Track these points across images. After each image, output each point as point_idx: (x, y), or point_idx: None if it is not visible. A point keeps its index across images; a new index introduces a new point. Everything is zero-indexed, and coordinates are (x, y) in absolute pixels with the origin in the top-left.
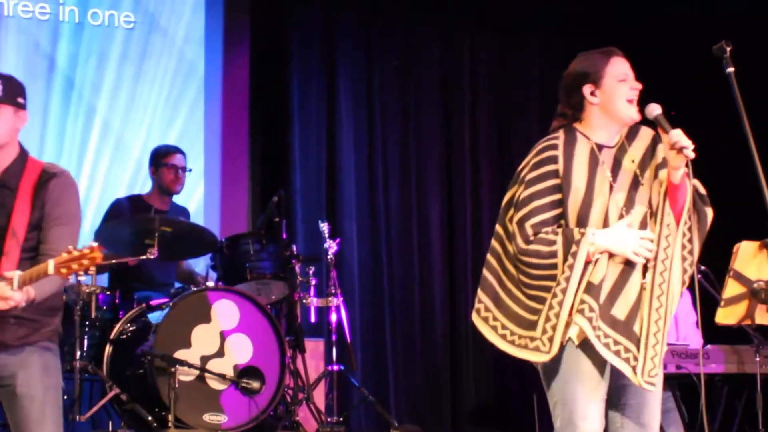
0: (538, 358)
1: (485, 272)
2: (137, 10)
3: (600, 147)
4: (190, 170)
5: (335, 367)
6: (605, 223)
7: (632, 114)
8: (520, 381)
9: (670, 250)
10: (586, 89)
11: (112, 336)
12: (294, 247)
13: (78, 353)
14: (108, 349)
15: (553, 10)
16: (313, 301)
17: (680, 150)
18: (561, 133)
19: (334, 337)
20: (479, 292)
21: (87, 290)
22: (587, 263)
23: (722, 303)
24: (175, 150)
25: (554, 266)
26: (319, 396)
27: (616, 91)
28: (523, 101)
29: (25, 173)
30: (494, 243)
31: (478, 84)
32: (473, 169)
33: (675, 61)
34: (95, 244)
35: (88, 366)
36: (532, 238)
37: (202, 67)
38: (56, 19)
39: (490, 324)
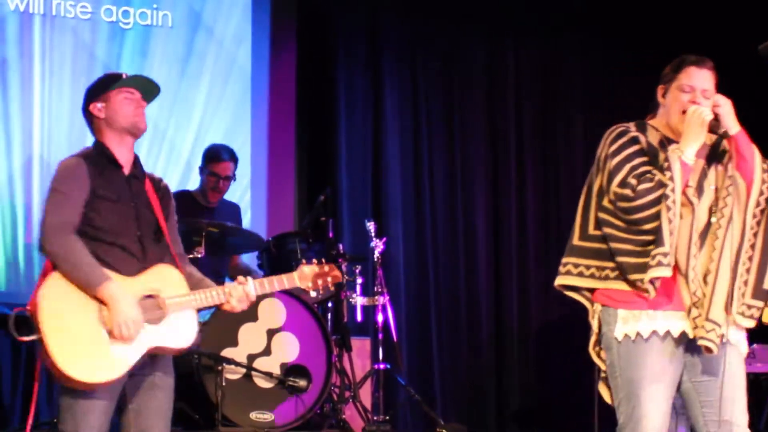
0: (668, 272)
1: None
2: (184, 10)
3: (669, 140)
4: (235, 180)
5: (381, 366)
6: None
7: (677, 125)
8: (564, 382)
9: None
10: (659, 89)
11: None
12: (340, 246)
13: None
14: None
15: (595, 12)
16: (360, 300)
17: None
18: (632, 124)
19: (380, 336)
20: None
21: None
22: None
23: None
24: (225, 158)
25: (661, 185)
26: (366, 395)
27: (675, 99)
28: (567, 103)
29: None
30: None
31: (523, 85)
32: (518, 170)
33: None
34: (332, 264)
35: None
36: (635, 184)
37: (249, 66)
38: (102, 19)
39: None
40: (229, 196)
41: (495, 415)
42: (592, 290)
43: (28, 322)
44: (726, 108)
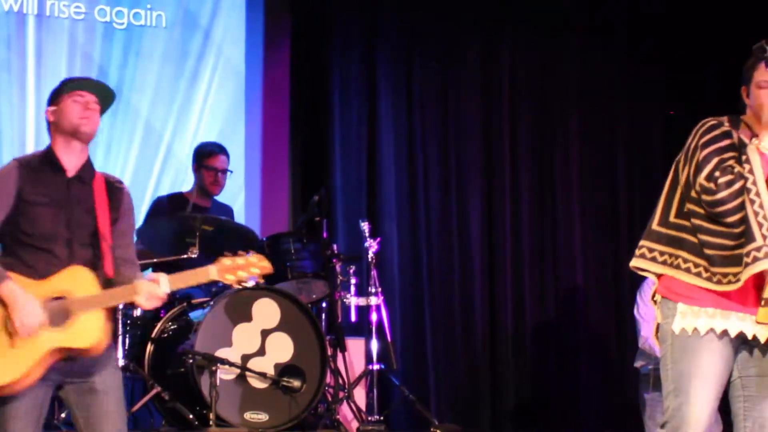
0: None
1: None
2: (177, 10)
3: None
4: (231, 172)
5: (375, 366)
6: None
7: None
8: (559, 382)
9: None
10: (743, 91)
11: (153, 335)
12: (335, 246)
13: (120, 352)
14: (149, 347)
15: (592, 11)
16: (354, 300)
17: None
18: (725, 118)
19: (374, 336)
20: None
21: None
22: None
23: (762, 302)
24: (218, 151)
25: (741, 177)
26: (360, 395)
27: (757, 98)
28: (562, 104)
29: (95, 175)
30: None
31: (518, 84)
32: (513, 170)
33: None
34: (260, 255)
35: (130, 365)
36: (718, 176)
37: (243, 66)
38: (96, 20)
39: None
40: (223, 195)
41: (489, 415)
42: (660, 277)
43: None
44: None
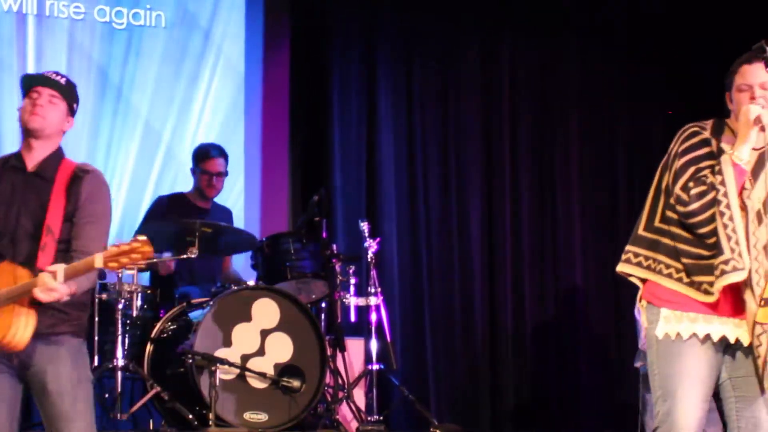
0: (740, 275)
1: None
2: (177, 10)
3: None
4: (227, 174)
5: (375, 366)
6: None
7: (743, 122)
8: (559, 382)
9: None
10: (727, 96)
11: (153, 335)
12: (334, 247)
13: (119, 352)
14: (149, 347)
15: (592, 11)
16: (354, 300)
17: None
18: (710, 122)
19: (374, 336)
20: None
21: (128, 289)
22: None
23: (762, 302)
24: (214, 155)
25: (713, 188)
26: (359, 395)
27: (738, 102)
28: (562, 104)
29: (60, 168)
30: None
31: (518, 83)
32: (513, 169)
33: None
34: (144, 238)
35: (129, 364)
36: (692, 187)
37: (243, 66)
38: (96, 20)
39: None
40: (223, 195)
41: (489, 415)
42: (644, 282)
43: None
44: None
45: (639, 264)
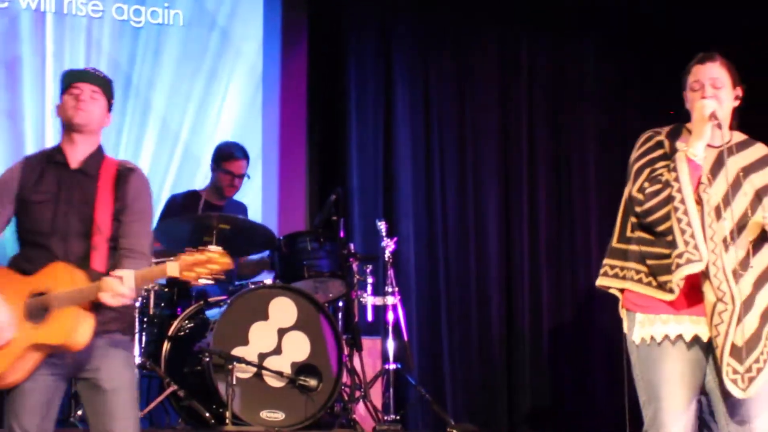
0: (695, 267)
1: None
2: (195, 9)
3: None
4: (249, 177)
5: (392, 366)
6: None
7: (697, 119)
8: (576, 382)
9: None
10: (684, 96)
11: (170, 333)
12: (351, 246)
13: (136, 350)
14: (166, 345)
15: (609, 12)
16: (371, 300)
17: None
18: (668, 127)
19: (391, 336)
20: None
21: (145, 287)
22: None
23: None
24: (238, 156)
25: (668, 185)
26: (376, 394)
27: (690, 101)
28: (579, 103)
29: (103, 165)
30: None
31: (535, 82)
32: (530, 168)
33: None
34: (220, 249)
35: (146, 363)
36: (647, 187)
37: (261, 65)
38: (114, 18)
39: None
40: (240, 195)
41: (506, 415)
42: (623, 292)
43: None
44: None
45: (615, 275)
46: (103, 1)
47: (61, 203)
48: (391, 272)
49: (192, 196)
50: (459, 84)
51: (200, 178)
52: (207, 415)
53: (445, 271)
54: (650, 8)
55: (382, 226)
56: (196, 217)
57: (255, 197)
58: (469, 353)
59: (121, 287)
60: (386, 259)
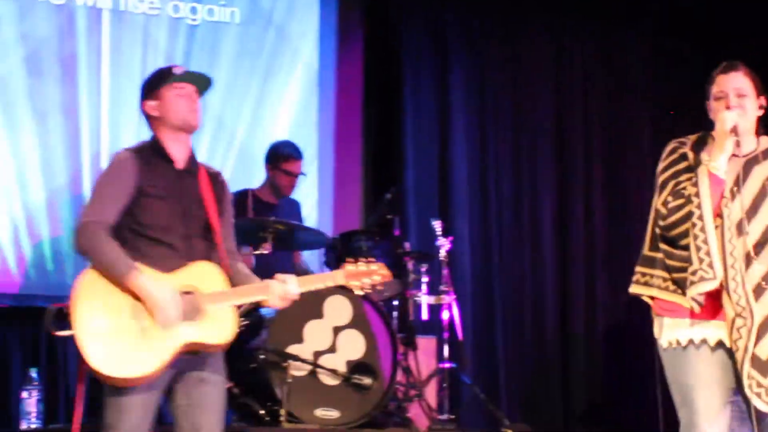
0: (708, 285)
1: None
2: (251, 6)
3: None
4: (305, 175)
5: (447, 365)
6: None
7: (719, 132)
8: (631, 381)
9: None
10: (708, 106)
11: None
12: (407, 245)
13: None
14: None
15: (664, 8)
16: (425, 299)
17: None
18: (694, 136)
19: (445, 335)
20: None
21: None
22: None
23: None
24: (297, 157)
25: (689, 200)
26: (431, 393)
27: (714, 111)
28: (635, 101)
29: (198, 166)
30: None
31: (590, 82)
32: (585, 168)
33: None
34: (381, 263)
35: None
36: (671, 201)
37: (316, 63)
38: (170, 15)
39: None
40: (295, 193)
41: (560, 415)
42: (653, 299)
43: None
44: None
45: (645, 283)
46: None
47: (178, 202)
48: (446, 271)
49: (247, 194)
50: (514, 82)
51: (256, 177)
52: (262, 412)
53: (499, 270)
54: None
55: (437, 225)
56: (251, 220)
57: (310, 195)
58: (524, 353)
59: (295, 290)
60: (441, 258)
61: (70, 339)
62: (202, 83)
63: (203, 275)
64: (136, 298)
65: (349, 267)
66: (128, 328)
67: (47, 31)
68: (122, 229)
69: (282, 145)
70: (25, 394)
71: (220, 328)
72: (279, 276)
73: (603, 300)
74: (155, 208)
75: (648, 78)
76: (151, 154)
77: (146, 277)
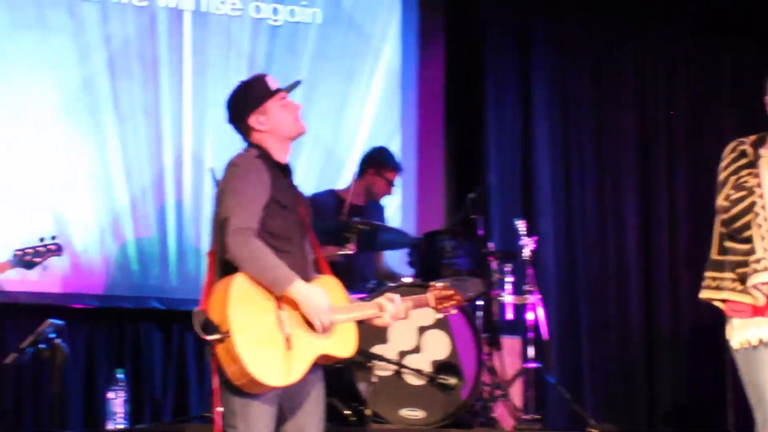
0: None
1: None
2: (332, 7)
3: None
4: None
5: (532, 365)
6: None
7: None
8: (716, 381)
9: None
10: (766, 101)
11: None
12: (491, 245)
13: None
14: None
15: (747, 11)
16: (510, 299)
17: None
18: (753, 136)
19: (530, 335)
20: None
21: None
22: None
23: None
24: (401, 169)
25: (752, 192)
26: (516, 393)
27: None
28: (718, 103)
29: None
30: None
31: (673, 84)
32: (669, 169)
33: None
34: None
35: None
36: (732, 194)
37: (397, 64)
38: (251, 16)
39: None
40: None
41: (645, 414)
42: (725, 302)
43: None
44: None
45: (717, 287)
46: (241, 0)
47: (294, 211)
48: (530, 271)
49: (334, 195)
50: (597, 83)
51: (335, 176)
52: (347, 412)
53: (584, 270)
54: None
55: (520, 224)
56: (335, 220)
57: (394, 196)
58: (609, 352)
59: (403, 312)
60: (525, 257)
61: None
62: (293, 86)
63: (330, 289)
64: (279, 307)
65: (437, 291)
66: (275, 338)
67: (130, 33)
68: None
69: (388, 154)
70: (111, 395)
71: (347, 341)
72: (387, 295)
73: (687, 300)
74: (280, 217)
75: (733, 81)
76: (266, 161)
77: (305, 285)
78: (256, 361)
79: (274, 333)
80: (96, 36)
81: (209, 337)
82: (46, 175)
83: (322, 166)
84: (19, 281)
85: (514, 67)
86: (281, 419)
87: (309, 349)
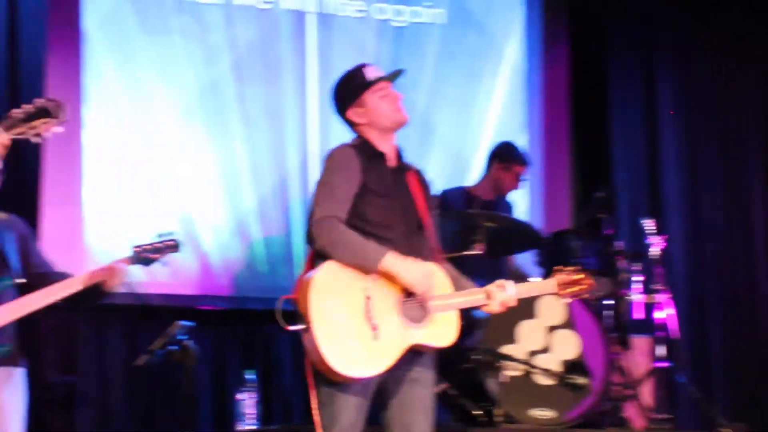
0: None
1: None
2: (455, 7)
3: None
4: (527, 180)
5: (662, 365)
6: None
7: None
8: None
9: None
10: None
11: None
12: (619, 244)
13: None
14: None
15: None
16: (639, 298)
17: None
18: None
19: (660, 334)
20: None
21: None
22: None
23: None
24: (529, 163)
25: None
26: (646, 393)
27: None
28: None
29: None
30: None
31: None
32: None
33: None
34: (585, 270)
35: None
36: None
37: (522, 63)
38: (375, 18)
39: None
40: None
41: None
42: None
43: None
44: None
45: None
46: (365, 1)
47: (397, 199)
48: (659, 270)
49: (464, 192)
50: (722, 83)
51: (460, 175)
52: (478, 412)
53: (714, 270)
54: None
55: (649, 223)
56: (462, 215)
57: (520, 195)
58: (740, 352)
59: (513, 300)
60: (653, 256)
61: (290, 337)
62: (394, 75)
63: (433, 279)
64: (368, 297)
65: (561, 276)
66: (361, 328)
67: (253, 36)
68: (346, 225)
69: (516, 148)
70: (241, 396)
71: (445, 330)
72: (498, 282)
73: None
74: (377, 205)
75: None
76: (364, 150)
77: (399, 256)
78: (336, 352)
79: (359, 323)
80: (221, 39)
81: (291, 328)
82: (173, 176)
83: (448, 166)
84: (149, 283)
85: (639, 65)
86: (382, 406)
87: (400, 339)
